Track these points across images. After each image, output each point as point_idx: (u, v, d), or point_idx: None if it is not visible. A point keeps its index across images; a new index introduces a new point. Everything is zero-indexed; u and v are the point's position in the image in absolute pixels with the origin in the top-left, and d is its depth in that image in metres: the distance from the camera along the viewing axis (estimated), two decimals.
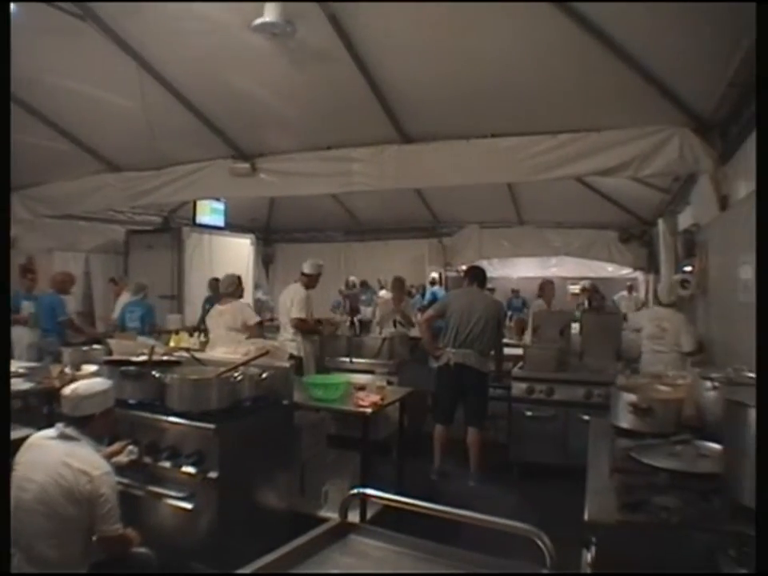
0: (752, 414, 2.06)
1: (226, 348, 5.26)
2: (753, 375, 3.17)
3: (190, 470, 3.71)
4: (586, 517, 2.26)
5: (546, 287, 9.08)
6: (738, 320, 4.89)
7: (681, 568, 2.05)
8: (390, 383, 6.22)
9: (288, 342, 6.88)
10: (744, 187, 4.76)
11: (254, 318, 6.78)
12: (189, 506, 3.69)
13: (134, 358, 4.52)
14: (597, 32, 4.08)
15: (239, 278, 7.17)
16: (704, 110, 4.83)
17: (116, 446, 3.76)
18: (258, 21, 4.22)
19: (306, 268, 7.21)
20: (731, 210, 5.12)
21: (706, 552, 1.90)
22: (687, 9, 3.59)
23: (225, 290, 6.94)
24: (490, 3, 4.04)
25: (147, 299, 8.47)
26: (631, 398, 3.08)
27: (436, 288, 11.26)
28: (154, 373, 4.09)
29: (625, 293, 12.46)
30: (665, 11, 3.66)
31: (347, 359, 7.23)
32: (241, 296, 7.11)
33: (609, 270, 12.39)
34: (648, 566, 2.11)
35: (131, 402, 4.06)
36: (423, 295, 11.23)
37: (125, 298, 8.58)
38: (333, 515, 2.03)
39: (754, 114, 4.19)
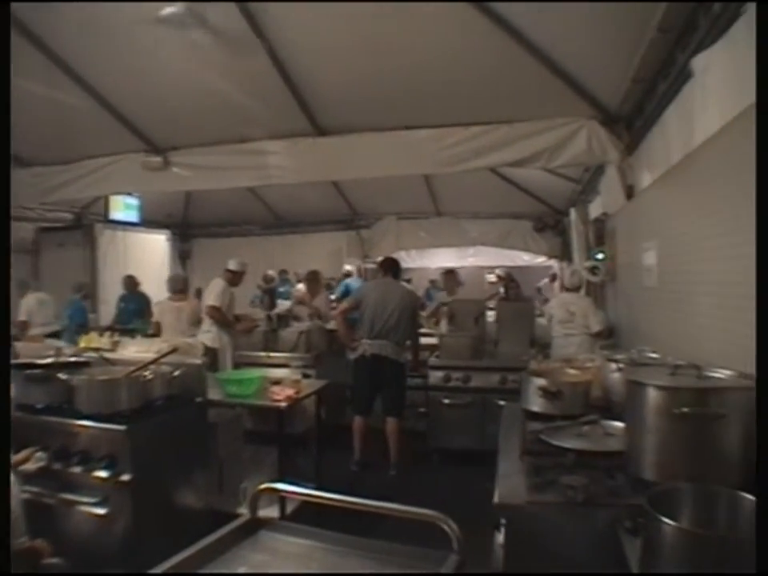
0: (650, 392, 2.14)
1: (138, 347, 5.15)
2: (655, 355, 3.31)
3: (102, 473, 3.59)
4: (496, 499, 2.30)
5: (447, 278, 8.92)
6: (642, 304, 5.08)
7: (586, 543, 2.11)
8: (307, 376, 6.20)
9: (204, 333, 6.92)
10: (648, 177, 4.93)
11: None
12: (102, 511, 3.58)
13: (40, 361, 4.33)
14: (508, 27, 4.12)
15: (185, 277, 8.11)
16: (610, 104, 4.95)
17: (23, 454, 3.58)
18: (166, 11, 4.11)
19: (231, 264, 7.34)
20: (636, 199, 5.30)
21: (609, 526, 1.96)
22: (594, 6, 3.66)
23: (174, 287, 7.55)
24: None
25: (83, 299, 8.71)
26: (541, 382, 3.14)
27: (349, 280, 11.18)
28: (60, 375, 3.94)
29: (547, 280, 12.64)
30: (573, 8, 3.73)
31: (264, 353, 7.20)
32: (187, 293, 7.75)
33: (525, 258, 12.59)
34: (555, 543, 2.17)
35: (38, 406, 3.90)
36: None
37: (30, 300, 8.29)
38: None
39: (656, 108, 4.37)
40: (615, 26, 3.86)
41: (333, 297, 9.86)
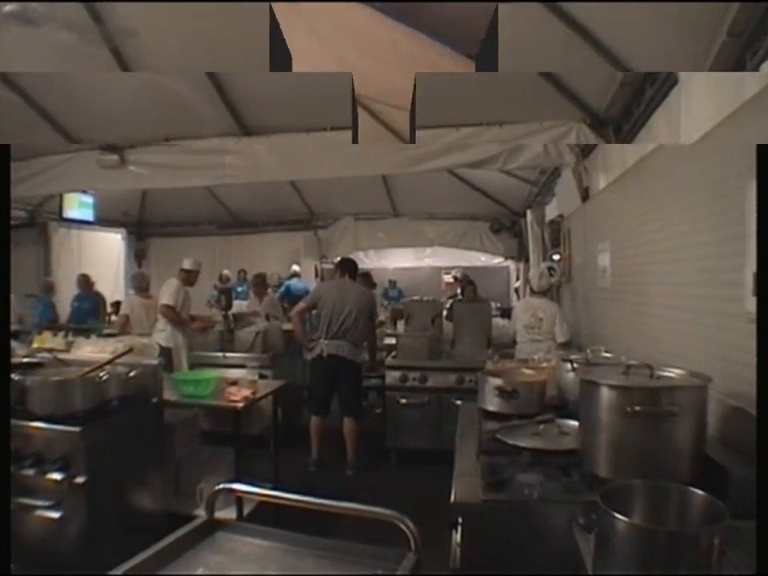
0: (603, 391, 2.18)
1: (93, 347, 5.07)
2: (609, 355, 3.36)
3: (56, 476, 3.50)
4: (452, 498, 2.31)
5: (360, 281, 7.91)
6: (597, 304, 5.16)
7: (542, 540, 2.14)
8: (264, 377, 6.17)
9: (158, 332, 6.85)
10: (603, 180, 5.01)
11: None
12: (56, 514, 3.49)
13: None
14: None
15: (149, 275, 8.40)
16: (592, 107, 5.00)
17: None
18: (7, 8, 3.82)
19: (186, 264, 7.29)
20: (591, 202, 5.39)
21: (564, 523, 1.99)
22: None
23: (140, 285, 7.87)
24: None
25: (51, 297, 8.91)
26: (497, 381, 3.16)
27: (293, 281, 11.14)
28: (13, 376, 3.85)
29: (521, 282, 12.51)
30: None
31: (220, 354, 7.14)
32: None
33: (482, 259, 12.71)
34: (512, 541, 2.19)
35: None
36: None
37: None
38: None
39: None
40: None
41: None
